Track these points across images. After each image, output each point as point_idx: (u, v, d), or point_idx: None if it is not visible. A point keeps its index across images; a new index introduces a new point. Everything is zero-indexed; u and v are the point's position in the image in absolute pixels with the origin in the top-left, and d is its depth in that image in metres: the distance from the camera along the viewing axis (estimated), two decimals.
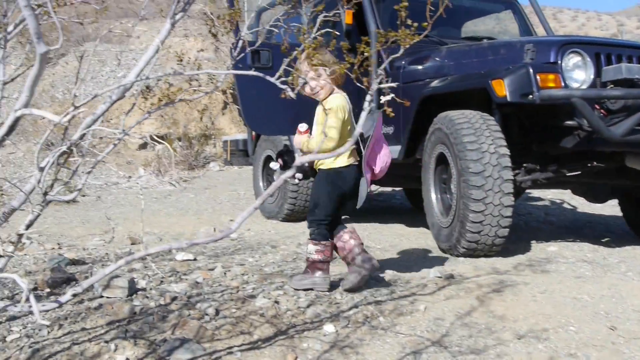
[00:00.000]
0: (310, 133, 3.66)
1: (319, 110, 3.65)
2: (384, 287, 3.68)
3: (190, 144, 12.58)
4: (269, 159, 6.89)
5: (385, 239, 5.35)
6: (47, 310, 2.97)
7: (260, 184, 7.11)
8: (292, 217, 6.35)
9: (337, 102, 3.52)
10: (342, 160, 3.58)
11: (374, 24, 5.51)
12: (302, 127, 3.62)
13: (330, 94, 3.60)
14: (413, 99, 4.58)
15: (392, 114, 2.03)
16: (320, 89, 3.57)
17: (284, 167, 3.68)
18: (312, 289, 3.55)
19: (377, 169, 3.65)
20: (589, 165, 4.69)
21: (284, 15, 2.42)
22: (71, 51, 14.67)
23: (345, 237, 3.65)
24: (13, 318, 3.22)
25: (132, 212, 7.35)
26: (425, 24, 1.91)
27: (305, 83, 3.47)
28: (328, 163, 3.58)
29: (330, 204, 3.60)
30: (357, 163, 3.63)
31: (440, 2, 2.08)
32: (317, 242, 3.60)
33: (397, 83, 2.33)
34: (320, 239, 3.61)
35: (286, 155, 3.74)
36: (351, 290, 3.54)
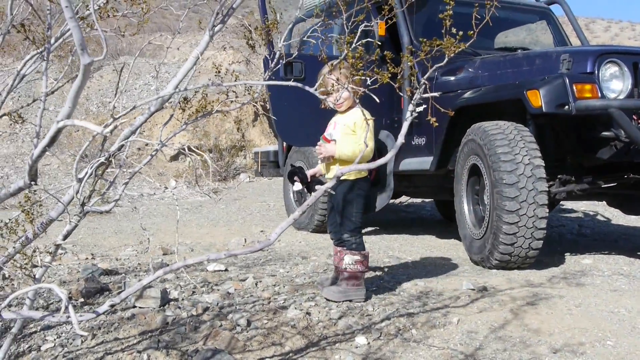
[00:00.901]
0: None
1: (339, 121, 3.69)
2: (416, 299, 3.66)
3: (221, 156, 12.66)
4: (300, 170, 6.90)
5: (416, 250, 5.33)
6: (84, 320, 3.00)
7: (291, 195, 7.12)
8: (322, 228, 6.35)
9: (366, 115, 3.54)
10: (365, 170, 3.62)
11: (407, 36, 5.51)
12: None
13: (350, 107, 3.67)
14: (445, 111, 4.56)
15: (436, 124, 2.03)
16: (343, 100, 3.63)
17: (302, 182, 3.74)
18: (350, 301, 3.55)
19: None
20: (626, 176, 4.64)
21: (321, 26, 2.43)
22: (106, 65, 14.90)
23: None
24: (47, 327, 3.26)
25: (163, 223, 7.42)
26: (471, 32, 1.90)
27: (329, 94, 3.53)
28: (355, 173, 3.60)
29: (361, 212, 3.66)
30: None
31: (476, 13, 2.07)
32: (357, 253, 3.62)
33: (439, 92, 2.32)
34: (361, 249, 3.64)
35: (300, 173, 3.79)
36: (328, 300, 3.58)
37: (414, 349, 3.01)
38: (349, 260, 3.59)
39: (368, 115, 3.52)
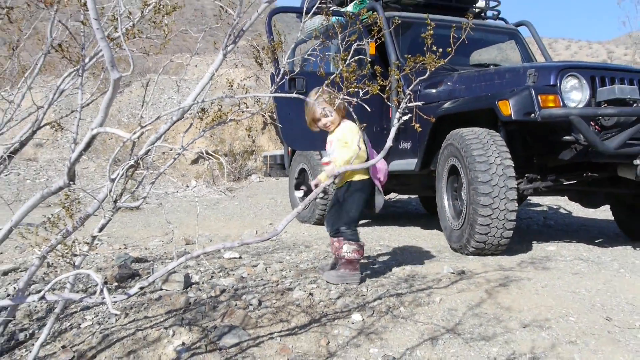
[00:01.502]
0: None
1: (333, 139, 3.70)
2: (403, 282, 3.66)
3: (235, 159, 12.66)
4: (302, 171, 6.92)
5: (403, 239, 5.32)
6: (117, 302, 3.00)
7: (295, 193, 7.13)
8: (322, 221, 6.34)
9: (352, 125, 3.60)
10: (366, 172, 3.65)
11: (394, 54, 5.52)
12: (325, 159, 3.74)
13: (338, 125, 3.68)
14: (428, 119, 4.57)
15: (420, 128, 2.03)
16: (330, 123, 3.67)
17: (306, 191, 3.83)
18: (347, 283, 3.57)
19: (382, 179, 3.75)
20: (585, 175, 4.65)
21: (320, 46, 2.43)
22: (135, 81, 14.90)
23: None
24: (86, 308, 3.27)
25: (186, 217, 7.42)
26: (449, 49, 1.90)
27: (319, 119, 3.65)
28: (359, 175, 3.64)
29: (360, 209, 3.68)
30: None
31: (453, 33, 2.07)
32: (353, 243, 3.63)
33: (422, 102, 2.34)
34: (357, 239, 3.66)
35: (304, 184, 3.87)
36: (328, 282, 3.60)
37: (402, 324, 3.01)
38: (347, 248, 3.60)
39: (352, 126, 3.56)
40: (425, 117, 2.03)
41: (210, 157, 2.17)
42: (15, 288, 3.58)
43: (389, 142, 1.86)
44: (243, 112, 1.95)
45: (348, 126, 3.60)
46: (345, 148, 3.57)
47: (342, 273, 3.60)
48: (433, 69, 1.93)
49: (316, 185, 3.82)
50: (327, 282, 3.59)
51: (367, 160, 3.56)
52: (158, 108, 13.76)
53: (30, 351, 2.25)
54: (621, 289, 3.46)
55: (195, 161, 12.84)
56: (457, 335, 2.87)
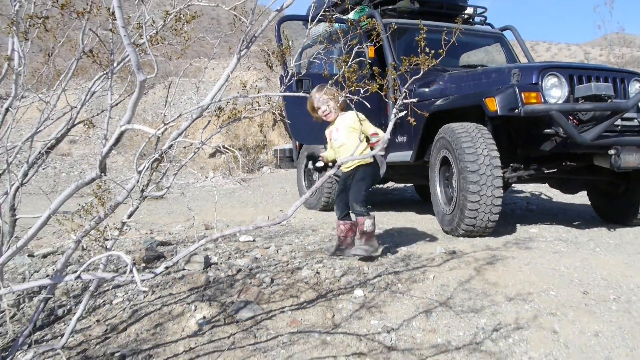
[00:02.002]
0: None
1: (340, 126, 3.78)
2: (400, 261, 3.66)
3: (248, 153, 12.65)
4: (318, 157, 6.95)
5: (400, 223, 5.32)
6: (145, 280, 3.02)
7: (303, 182, 7.14)
8: (327, 207, 6.35)
9: (355, 114, 3.65)
10: (373, 158, 3.75)
11: (391, 57, 5.49)
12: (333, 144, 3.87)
13: (338, 116, 3.77)
14: (422, 115, 4.56)
15: (415, 122, 2.03)
16: (329, 112, 3.75)
17: (314, 165, 3.89)
18: (372, 252, 3.66)
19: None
20: (564, 164, 4.63)
21: (324, 50, 2.43)
22: (158, 83, 14.89)
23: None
24: (117, 286, 3.29)
25: (205, 205, 7.44)
26: (441, 50, 1.89)
27: (319, 108, 3.74)
28: (368, 161, 3.73)
29: (368, 189, 3.78)
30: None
31: (444, 37, 2.06)
32: (370, 217, 3.70)
33: (416, 100, 2.34)
34: (369, 213, 3.73)
35: (319, 159, 3.92)
36: (356, 255, 3.67)
37: (400, 298, 3.02)
38: (368, 223, 3.68)
39: (361, 115, 3.59)
40: (419, 112, 2.03)
41: (227, 150, 2.17)
42: (53, 269, 3.60)
43: (387, 135, 1.86)
44: (255, 110, 1.95)
45: (353, 115, 3.66)
46: (356, 133, 3.64)
47: (369, 244, 3.66)
48: (426, 69, 1.92)
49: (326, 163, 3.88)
50: (356, 254, 3.64)
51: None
52: (179, 107, 13.75)
53: (68, 325, 2.27)
54: (597, 266, 3.45)
55: (212, 155, 12.84)
56: (449, 308, 2.88)
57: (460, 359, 2.46)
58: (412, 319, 2.79)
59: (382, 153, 3.76)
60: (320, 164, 3.93)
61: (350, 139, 3.68)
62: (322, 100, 3.68)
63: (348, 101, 2.12)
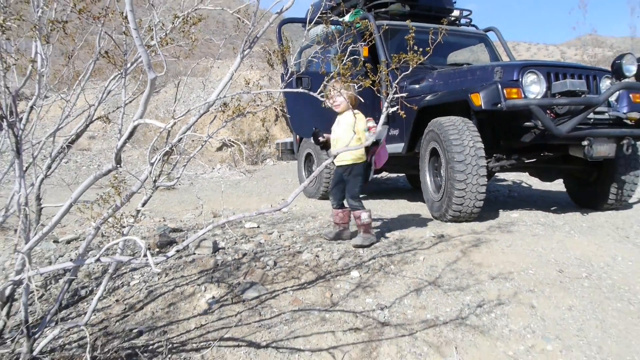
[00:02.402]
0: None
1: (341, 120, 3.77)
2: (393, 244, 3.67)
3: (252, 146, 12.62)
4: (309, 155, 6.92)
5: (393, 210, 5.34)
6: (159, 263, 3.03)
7: (303, 173, 7.13)
8: (326, 196, 6.35)
9: (363, 117, 3.67)
10: (364, 156, 3.75)
11: (383, 55, 5.47)
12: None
13: (346, 110, 3.72)
14: (412, 110, 4.55)
15: (405, 115, 2.03)
16: (339, 103, 3.71)
17: (316, 140, 3.86)
18: (371, 243, 3.65)
19: (380, 164, 3.81)
20: (542, 154, 4.63)
21: (321, 49, 2.42)
22: (169, 82, 14.82)
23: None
24: (134, 269, 3.30)
25: (212, 195, 7.43)
26: (428, 48, 1.89)
27: (330, 98, 3.63)
28: (363, 159, 3.74)
29: (361, 184, 3.78)
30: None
31: (431, 38, 2.05)
32: (366, 210, 3.73)
33: (407, 93, 2.34)
34: (364, 207, 3.75)
35: (321, 135, 3.88)
36: (357, 246, 3.63)
37: (392, 279, 3.04)
38: (365, 216, 3.70)
39: (360, 116, 3.58)
40: (409, 106, 2.03)
41: (233, 143, 2.17)
42: (76, 254, 3.61)
43: (379, 126, 1.87)
44: (258, 105, 1.95)
45: (361, 117, 3.62)
46: (351, 133, 3.60)
47: (367, 235, 3.68)
48: (415, 66, 1.92)
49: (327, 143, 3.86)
50: (357, 245, 3.63)
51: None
52: (187, 104, 13.69)
53: (90, 304, 2.28)
54: (571, 247, 3.47)
55: (219, 148, 12.80)
56: (437, 287, 2.89)
57: (448, 333, 2.48)
58: (403, 297, 2.81)
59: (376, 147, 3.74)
60: (323, 138, 3.89)
61: (345, 135, 3.67)
62: (335, 92, 3.62)
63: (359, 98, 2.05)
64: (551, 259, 3.23)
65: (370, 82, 1.91)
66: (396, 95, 1.84)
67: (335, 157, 1.90)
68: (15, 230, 4.27)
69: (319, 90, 1.80)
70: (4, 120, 1.74)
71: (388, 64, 1.77)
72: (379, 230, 4.14)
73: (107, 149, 12.45)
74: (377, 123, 4.02)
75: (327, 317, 2.65)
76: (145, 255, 1.63)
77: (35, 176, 2.05)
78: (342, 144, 3.67)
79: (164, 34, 1.77)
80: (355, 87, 2.54)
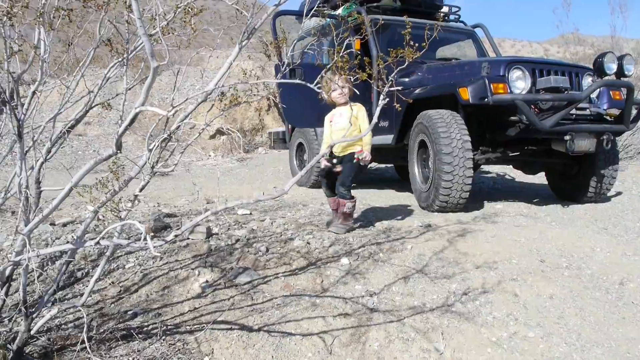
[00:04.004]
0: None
1: (344, 112, 3.76)
2: (382, 233, 3.68)
3: (245, 135, 12.54)
4: (300, 145, 6.90)
5: (382, 200, 5.35)
6: (157, 246, 3.02)
7: (294, 162, 7.12)
8: (316, 185, 6.34)
9: (361, 110, 3.72)
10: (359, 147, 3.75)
11: (375, 49, 5.45)
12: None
13: (347, 103, 3.69)
14: (402, 102, 4.55)
15: (400, 108, 2.03)
16: (340, 96, 3.73)
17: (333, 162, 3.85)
18: (347, 230, 3.67)
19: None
20: (526, 147, 4.67)
21: (316, 41, 2.40)
22: (164, 71, 14.65)
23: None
24: (129, 252, 3.28)
25: (206, 182, 7.40)
26: (424, 44, 1.89)
27: (333, 90, 3.68)
28: (359, 145, 3.72)
29: (353, 176, 3.80)
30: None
31: (426, 34, 2.05)
32: (352, 200, 3.74)
33: (400, 87, 2.34)
34: (352, 197, 3.76)
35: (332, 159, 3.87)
36: (331, 231, 3.69)
37: (381, 266, 3.05)
38: (350, 205, 3.73)
39: (360, 106, 3.61)
40: (404, 99, 2.03)
41: (230, 132, 2.16)
42: (72, 236, 3.58)
43: (374, 120, 1.86)
44: (255, 95, 1.94)
45: (361, 107, 3.69)
46: (354, 125, 3.66)
47: (344, 223, 3.72)
48: (411, 61, 1.91)
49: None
50: (330, 231, 3.66)
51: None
52: (182, 93, 13.55)
53: (87, 285, 2.27)
54: (552, 238, 3.51)
55: (213, 136, 12.69)
56: (425, 275, 2.91)
57: (434, 319, 2.50)
58: (392, 284, 2.83)
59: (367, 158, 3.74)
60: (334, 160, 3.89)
61: (348, 125, 3.68)
62: (340, 84, 3.65)
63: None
64: (533, 249, 3.26)
65: (367, 75, 1.90)
66: (392, 89, 1.83)
67: (332, 146, 1.89)
68: (13, 212, 4.22)
69: (315, 82, 1.79)
70: (7, 104, 1.71)
71: (384, 59, 1.76)
72: (367, 219, 4.15)
73: (102, 135, 12.31)
74: (369, 115, 4.02)
75: (317, 303, 2.66)
76: (144, 240, 1.62)
77: (35, 160, 2.02)
78: (344, 134, 3.67)
79: (166, 22, 1.74)
80: (351, 80, 2.54)
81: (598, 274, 2.93)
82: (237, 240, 3.46)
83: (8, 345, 2.04)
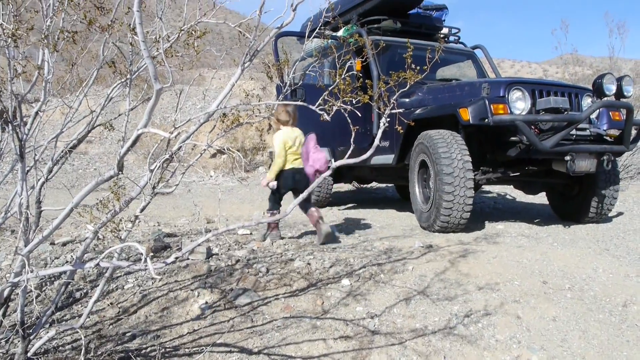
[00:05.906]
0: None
1: (299, 136, 4.16)
2: (383, 254, 3.66)
3: (246, 154, 12.58)
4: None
5: (382, 220, 5.33)
6: (157, 269, 3.00)
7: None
8: (316, 204, 6.34)
9: (277, 135, 4.15)
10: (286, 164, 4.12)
11: (376, 70, 5.49)
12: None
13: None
14: (403, 123, 4.57)
15: (402, 130, 2.03)
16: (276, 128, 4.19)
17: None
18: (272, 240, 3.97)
19: (319, 166, 4.03)
20: (526, 168, 4.67)
21: (317, 62, 2.42)
22: (165, 91, 14.74)
23: (313, 212, 4.07)
24: (129, 273, 3.26)
25: (206, 201, 7.39)
26: (425, 67, 1.90)
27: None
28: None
29: (276, 188, 4.15)
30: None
31: (428, 57, 2.06)
32: (270, 212, 4.13)
33: (401, 107, 2.34)
34: (272, 210, 4.16)
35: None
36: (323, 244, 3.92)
37: (383, 287, 3.02)
38: (267, 215, 4.30)
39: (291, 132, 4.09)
40: (405, 121, 2.04)
41: (231, 152, 2.16)
42: (72, 256, 3.56)
43: (377, 141, 1.87)
44: (257, 116, 1.94)
45: (275, 135, 4.14)
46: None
47: (270, 232, 4.11)
48: (413, 83, 1.93)
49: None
50: (261, 240, 4.00)
51: (299, 157, 4.10)
52: (184, 112, 13.63)
53: (86, 306, 2.25)
54: (554, 259, 3.48)
55: (213, 155, 12.73)
56: (426, 296, 2.88)
57: (436, 342, 2.47)
58: (393, 306, 2.80)
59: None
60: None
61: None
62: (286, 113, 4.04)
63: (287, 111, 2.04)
64: (535, 270, 3.23)
65: (368, 97, 1.91)
66: (394, 111, 1.84)
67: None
68: (12, 231, 4.20)
69: (317, 104, 1.80)
70: (9, 124, 1.71)
71: (386, 81, 1.76)
72: (367, 239, 4.13)
73: (103, 154, 12.34)
74: (372, 132, 4.03)
75: (318, 325, 2.63)
76: (145, 261, 1.61)
77: (36, 179, 2.02)
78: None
79: (169, 44, 1.76)
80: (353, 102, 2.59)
81: (601, 296, 2.90)
82: (238, 261, 3.44)
83: None
